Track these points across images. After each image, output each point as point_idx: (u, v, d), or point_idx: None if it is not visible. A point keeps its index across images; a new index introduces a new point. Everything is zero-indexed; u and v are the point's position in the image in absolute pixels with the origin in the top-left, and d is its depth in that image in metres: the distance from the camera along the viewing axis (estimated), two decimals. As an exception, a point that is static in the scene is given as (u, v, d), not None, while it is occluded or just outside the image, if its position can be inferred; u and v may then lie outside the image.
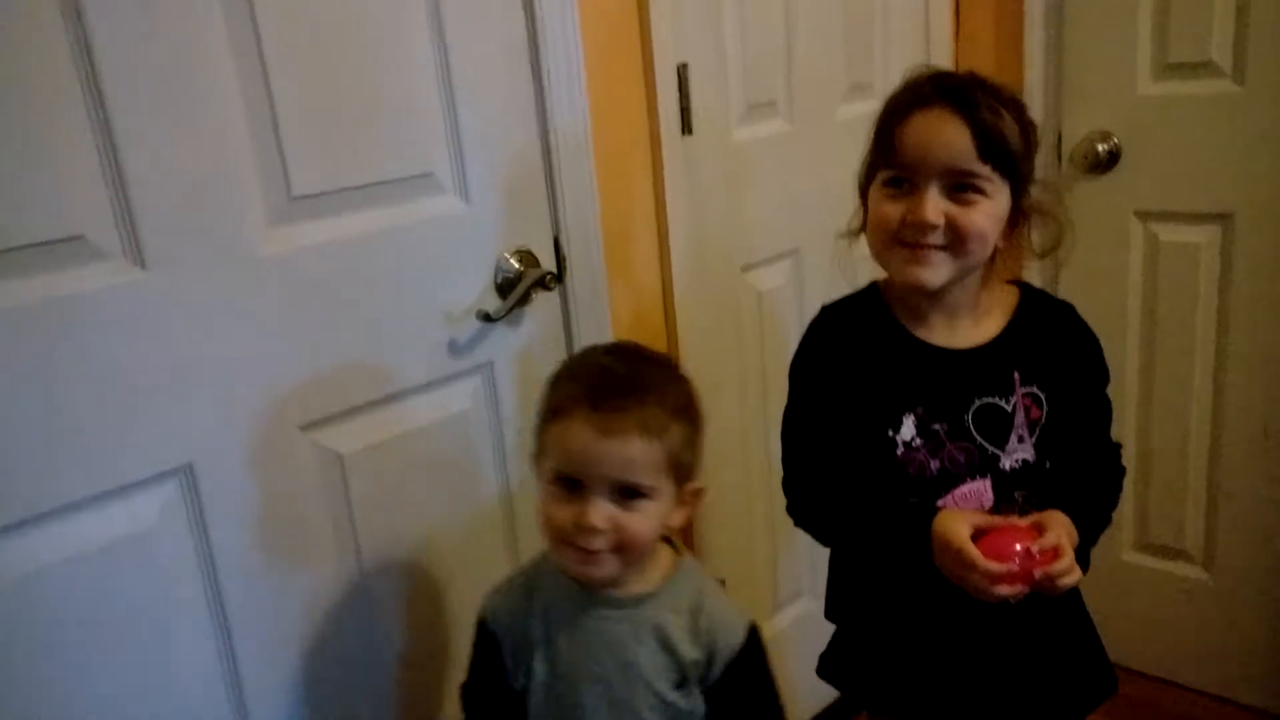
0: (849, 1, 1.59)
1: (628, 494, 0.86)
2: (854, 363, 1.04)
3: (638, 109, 1.33)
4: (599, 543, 0.86)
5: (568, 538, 0.88)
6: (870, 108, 1.61)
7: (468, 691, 1.05)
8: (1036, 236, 1.01)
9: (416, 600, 1.17)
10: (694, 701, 0.93)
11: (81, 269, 0.88)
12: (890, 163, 0.97)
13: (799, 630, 1.69)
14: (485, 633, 1.01)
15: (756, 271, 1.54)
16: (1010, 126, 0.95)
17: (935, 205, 0.94)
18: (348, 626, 1.11)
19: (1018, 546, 0.92)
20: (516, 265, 1.20)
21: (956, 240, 0.95)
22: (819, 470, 1.06)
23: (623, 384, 0.88)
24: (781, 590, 1.69)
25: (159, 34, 0.89)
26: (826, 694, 1.76)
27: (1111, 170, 1.71)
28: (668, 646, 0.92)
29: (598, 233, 1.27)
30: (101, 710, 0.93)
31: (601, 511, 0.86)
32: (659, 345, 1.42)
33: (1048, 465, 1.02)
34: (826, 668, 1.18)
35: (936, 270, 0.96)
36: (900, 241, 0.97)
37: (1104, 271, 1.74)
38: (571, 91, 1.21)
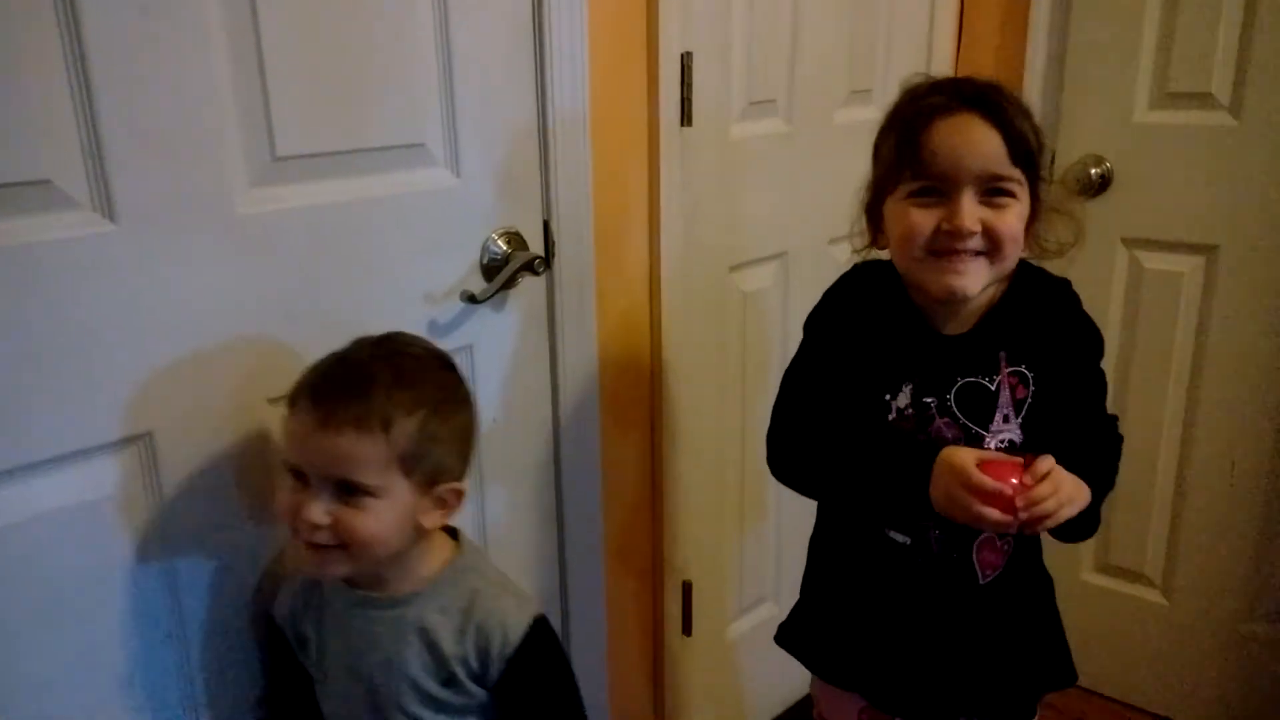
0: (856, 9, 1.57)
1: (348, 490, 0.83)
2: (862, 327, 1.04)
3: (638, 95, 1.30)
4: (321, 538, 0.84)
5: (293, 529, 0.85)
6: (869, 114, 1.62)
7: (265, 696, 1.03)
8: (1051, 234, 1.00)
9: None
10: (466, 696, 0.92)
11: (46, 216, 0.83)
12: (919, 174, 0.94)
13: (761, 635, 1.67)
14: (272, 628, 1.00)
15: (744, 272, 1.52)
16: (1030, 127, 0.94)
17: (973, 212, 0.92)
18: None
19: (1013, 480, 0.90)
20: (504, 247, 1.16)
21: (993, 245, 0.94)
22: (813, 415, 1.06)
23: (349, 376, 0.85)
24: (745, 595, 1.68)
25: (146, -26, 0.84)
26: (787, 696, 1.76)
27: (1102, 195, 1.71)
28: (432, 646, 0.90)
29: (589, 219, 1.24)
30: (45, 675, 0.88)
31: (319, 506, 0.83)
32: (642, 339, 1.40)
33: (1035, 447, 0.99)
34: (785, 635, 1.18)
35: (975, 278, 0.95)
36: (933, 252, 0.95)
37: (1086, 295, 1.71)
38: (573, 71, 1.18)
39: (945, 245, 0.94)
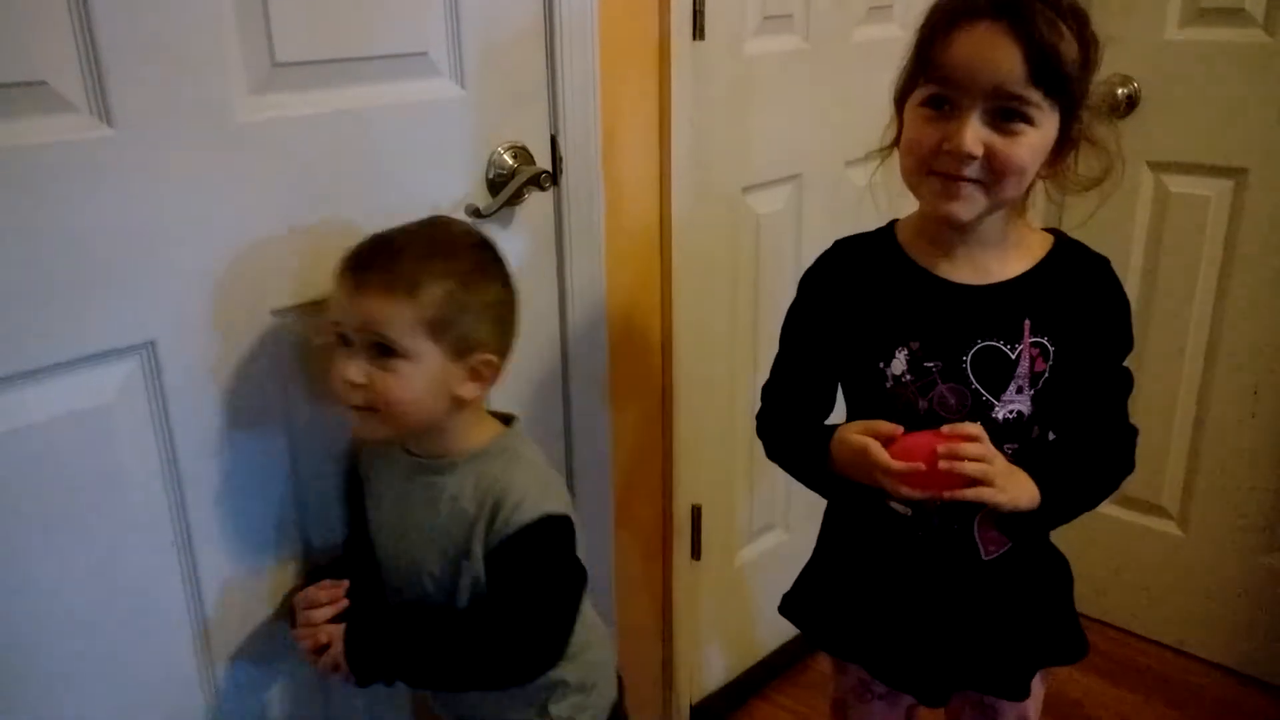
0: (876, -85, 1.51)
1: (384, 351, 0.89)
2: (855, 292, 1.01)
3: (649, 7, 1.26)
4: (357, 398, 0.90)
5: (339, 396, 0.92)
6: (889, 32, 1.58)
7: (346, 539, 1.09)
8: (1082, 167, 0.94)
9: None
10: (473, 573, 0.95)
11: (42, 119, 0.81)
12: (930, 78, 0.89)
13: (769, 562, 1.68)
14: (353, 473, 1.06)
15: (756, 194, 1.49)
16: (1068, 44, 0.86)
17: (975, 134, 0.87)
18: (307, 519, 1.07)
19: (938, 448, 0.88)
20: (510, 161, 1.13)
21: (993, 174, 0.88)
22: (784, 396, 1.08)
23: (381, 247, 0.91)
24: (755, 521, 1.68)
25: None
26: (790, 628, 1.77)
27: (1128, 116, 1.66)
28: (459, 515, 0.94)
29: (597, 134, 1.21)
30: (48, 581, 0.89)
31: (356, 366, 0.89)
32: (651, 260, 1.38)
33: (1042, 420, 0.97)
34: (789, 606, 1.17)
35: (969, 205, 0.90)
36: (933, 170, 0.90)
37: (1108, 220, 1.67)
38: (580, -23, 1.14)
39: (944, 166, 0.89)
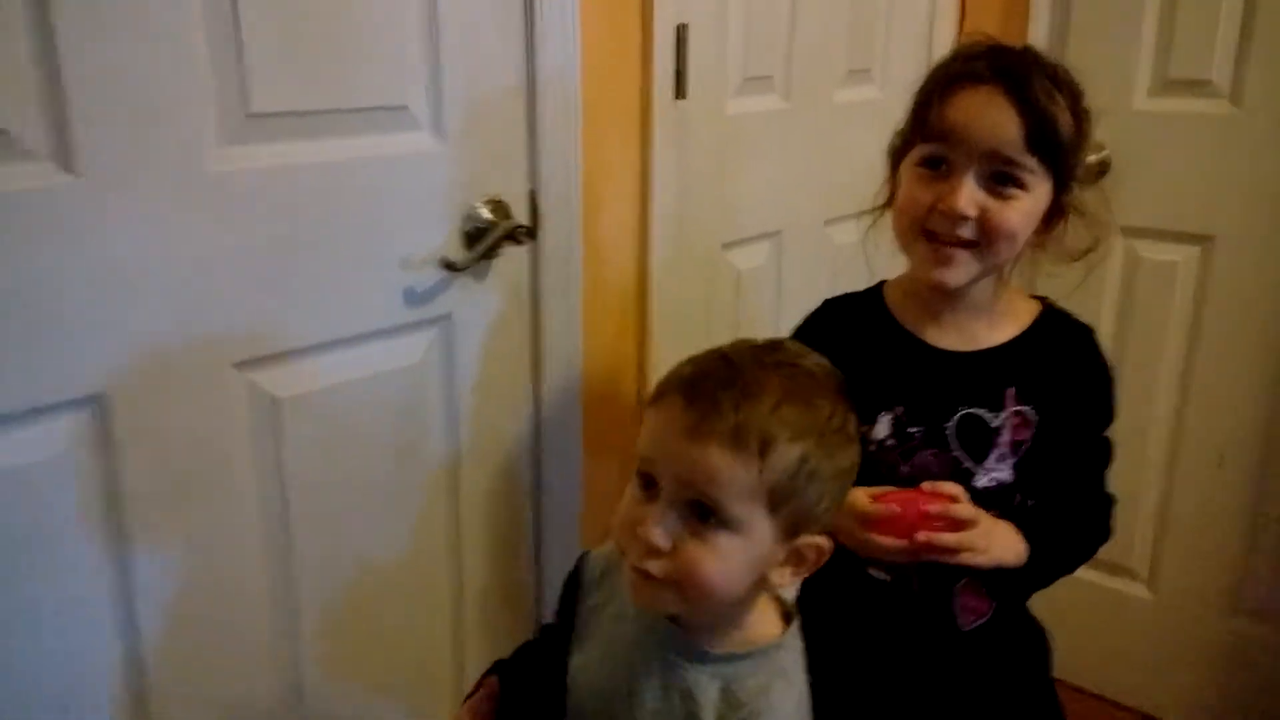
0: (857, -16, 1.53)
1: (704, 515, 0.69)
2: (842, 354, 0.98)
3: (631, 64, 1.26)
4: (655, 568, 0.69)
5: (625, 549, 0.72)
6: (868, 94, 1.60)
7: (544, 630, 0.91)
8: (1070, 238, 0.95)
9: (342, 561, 1.09)
10: None
11: (1, 167, 0.79)
12: (928, 138, 0.90)
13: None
14: (574, 575, 0.86)
15: (737, 250, 1.48)
16: (1064, 114, 0.88)
17: (970, 195, 0.87)
18: (263, 585, 1.03)
19: (930, 508, 0.87)
20: (488, 215, 1.12)
21: (985, 238, 0.89)
22: None
23: (730, 381, 0.70)
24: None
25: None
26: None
27: (1099, 183, 1.68)
28: (690, 717, 0.74)
29: (577, 189, 1.20)
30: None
31: (662, 529, 0.68)
32: (630, 316, 1.36)
33: (1024, 489, 0.96)
34: None
35: (960, 270, 0.90)
36: (926, 233, 0.90)
37: (1081, 284, 1.71)
38: (565, 37, 1.14)
39: (937, 227, 0.90)
